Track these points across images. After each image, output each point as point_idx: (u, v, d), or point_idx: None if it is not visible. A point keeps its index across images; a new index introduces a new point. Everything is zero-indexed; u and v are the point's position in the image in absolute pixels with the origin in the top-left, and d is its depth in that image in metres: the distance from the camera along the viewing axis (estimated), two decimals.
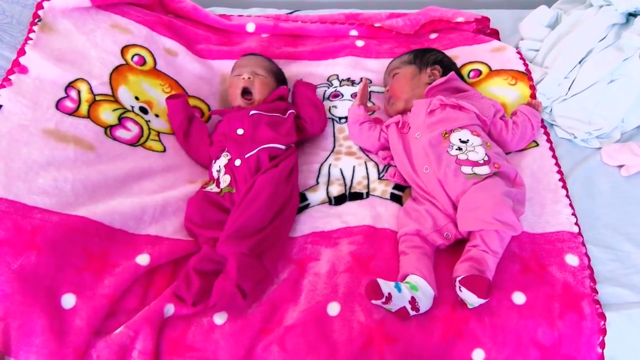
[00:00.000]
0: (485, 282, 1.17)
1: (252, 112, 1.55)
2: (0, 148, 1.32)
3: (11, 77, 1.47)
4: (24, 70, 1.50)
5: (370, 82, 1.80)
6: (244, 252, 1.27)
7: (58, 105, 1.47)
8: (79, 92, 1.51)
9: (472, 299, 1.19)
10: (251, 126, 1.52)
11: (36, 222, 1.23)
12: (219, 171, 1.48)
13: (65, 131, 1.42)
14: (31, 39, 1.57)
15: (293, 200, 1.44)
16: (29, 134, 1.37)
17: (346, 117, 1.66)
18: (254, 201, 1.35)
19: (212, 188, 1.46)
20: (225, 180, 1.45)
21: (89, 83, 1.54)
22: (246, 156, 1.45)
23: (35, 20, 1.62)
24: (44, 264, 1.19)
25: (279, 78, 1.73)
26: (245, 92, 1.63)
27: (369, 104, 1.71)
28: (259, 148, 1.47)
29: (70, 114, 1.46)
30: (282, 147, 1.50)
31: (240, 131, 1.51)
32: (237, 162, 1.45)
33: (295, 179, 1.49)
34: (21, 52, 1.53)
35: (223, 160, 1.48)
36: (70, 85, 1.52)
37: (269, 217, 1.34)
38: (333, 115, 1.71)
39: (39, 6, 1.64)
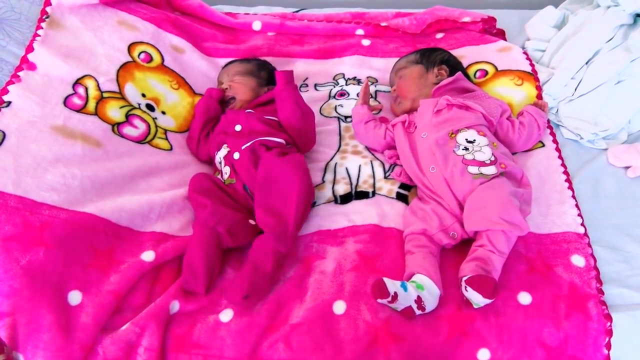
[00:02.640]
0: (491, 282, 1.17)
1: (248, 110, 1.59)
2: (10, 144, 1.32)
3: (20, 73, 1.48)
4: (32, 66, 1.51)
5: (376, 81, 1.80)
6: (282, 252, 1.30)
7: (66, 102, 1.47)
8: (86, 89, 1.52)
9: (477, 299, 1.19)
10: (247, 122, 1.54)
11: (44, 218, 1.23)
12: (220, 163, 1.51)
13: (73, 128, 1.42)
14: (39, 35, 1.58)
15: (311, 186, 1.45)
16: (37, 130, 1.37)
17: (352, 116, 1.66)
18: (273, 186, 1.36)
19: (218, 176, 1.51)
20: (226, 171, 1.48)
21: (96, 80, 1.54)
22: (242, 147, 1.47)
23: (43, 17, 1.63)
24: (52, 261, 1.19)
25: (263, 75, 1.71)
26: (229, 101, 1.65)
27: (373, 103, 1.71)
28: (254, 140, 1.48)
29: (78, 111, 1.46)
30: (281, 140, 1.51)
31: (238, 127, 1.54)
32: (236, 156, 1.47)
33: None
34: (29, 48, 1.54)
35: (223, 152, 1.51)
36: (77, 82, 1.52)
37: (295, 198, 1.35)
38: (339, 114, 1.71)
39: (47, 3, 1.65)
